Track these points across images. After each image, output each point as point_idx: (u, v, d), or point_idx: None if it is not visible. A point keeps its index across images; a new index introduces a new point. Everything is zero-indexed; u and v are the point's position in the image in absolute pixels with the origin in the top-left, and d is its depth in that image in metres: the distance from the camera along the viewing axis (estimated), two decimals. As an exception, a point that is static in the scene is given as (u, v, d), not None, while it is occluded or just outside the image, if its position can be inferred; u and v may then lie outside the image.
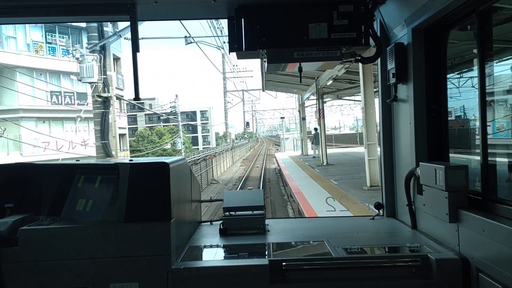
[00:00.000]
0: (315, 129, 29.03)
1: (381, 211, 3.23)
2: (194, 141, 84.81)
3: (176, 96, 42.04)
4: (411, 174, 2.71)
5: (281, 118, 50.83)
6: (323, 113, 22.00)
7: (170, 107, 41.21)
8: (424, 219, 2.67)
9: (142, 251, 2.20)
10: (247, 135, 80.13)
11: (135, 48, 2.63)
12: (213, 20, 21.91)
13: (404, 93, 2.79)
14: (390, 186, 3.12)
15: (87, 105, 34.96)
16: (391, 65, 2.81)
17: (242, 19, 2.68)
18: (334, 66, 3.70)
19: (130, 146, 55.24)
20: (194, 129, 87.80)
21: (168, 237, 2.22)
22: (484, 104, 2.23)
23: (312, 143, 28.27)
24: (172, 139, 44.14)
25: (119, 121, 38.32)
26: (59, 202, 2.47)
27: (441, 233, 2.45)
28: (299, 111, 32.41)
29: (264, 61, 2.87)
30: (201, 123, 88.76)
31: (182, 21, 8.27)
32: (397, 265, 2.27)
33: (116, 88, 37.41)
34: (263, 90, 30.84)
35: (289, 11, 2.67)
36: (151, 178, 2.30)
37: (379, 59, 3.00)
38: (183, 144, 56.69)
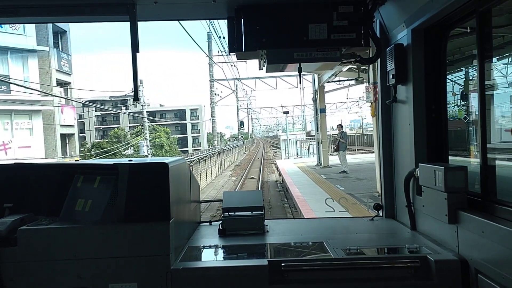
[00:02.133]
0: (340, 126, 17.67)
1: (380, 212, 3.25)
2: (184, 142, 78.98)
3: (140, 82, 30.22)
4: (410, 175, 2.74)
5: (284, 113, 39.74)
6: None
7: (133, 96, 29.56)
8: (423, 220, 2.72)
9: (141, 251, 2.24)
10: (242, 136, 69.28)
11: (135, 49, 2.64)
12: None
13: (403, 94, 2.84)
14: (389, 187, 3.16)
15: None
16: (390, 66, 2.84)
17: (242, 20, 2.72)
18: (334, 67, 3.75)
19: (101, 148, 45.50)
20: (183, 129, 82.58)
21: (167, 238, 2.25)
22: (484, 105, 2.26)
23: (336, 149, 16.95)
24: (134, 142, 32.52)
25: (62, 116, 27.15)
26: (58, 202, 2.50)
27: (440, 234, 2.49)
28: (314, 100, 21.18)
29: (264, 62, 2.89)
30: (191, 122, 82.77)
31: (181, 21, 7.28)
32: (396, 266, 2.30)
33: (57, 70, 26.20)
34: (260, 69, 18.91)
35: (289, 11, 2.70)
36: (150, 178, 2.33)
37: (378, 60, 3.05)
38: (161, 148, 45.60)
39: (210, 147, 39.83)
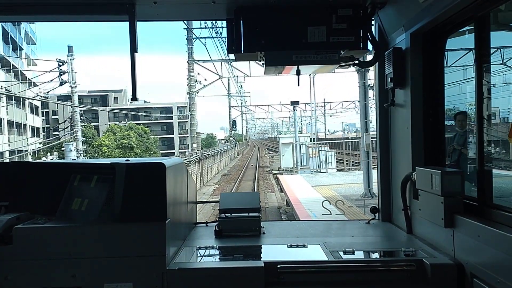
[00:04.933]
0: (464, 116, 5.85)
1: (376, 215, 3.33)
2: (170, 143, 74.20)
3: (69, 49, 19.97)
4: (407, 179, 2.83)
5: (292, 104, 29.45)
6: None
7: (60, 74, 19.17)
8: (419, 223, 2.81)
9: (137, 251, 2.32)
10: (234, 138, 59.94)
11: (133, 49, 2.69)
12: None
13: (401, 98, 2.94)
14: (386, 190, 3.25)
15: None
16: (389, 70, 2.92)
17: (241, 21, 2.76)
18: (332, 70, 3.48)
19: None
20: (170, 129, 76.61)
21: (163, 238, 2.32)
22: (481, 110, 2.33)
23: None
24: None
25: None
26: (54, 201, 2.56)
27: (437, 238, 2.57)
28: (359, 71, 10.85)
29: (262, 63, 2.98)
30: (178, 121, 75.80)
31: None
32: (392, 269, 2.36)
33: None
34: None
35: (288, 14, 2.77)
36: (147, 178, 2.41)
37: (377, 63, 3.14)
38: (131, 149, 35.65)
39: (192, 150, 30.17)
